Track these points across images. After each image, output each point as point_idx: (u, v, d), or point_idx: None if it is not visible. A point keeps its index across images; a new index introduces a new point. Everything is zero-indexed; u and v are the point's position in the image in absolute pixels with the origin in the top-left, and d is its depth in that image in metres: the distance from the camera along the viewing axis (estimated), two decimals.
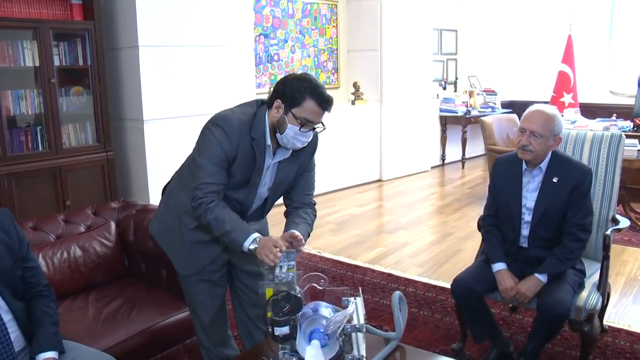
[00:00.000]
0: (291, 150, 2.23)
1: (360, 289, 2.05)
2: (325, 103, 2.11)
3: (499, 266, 2.66)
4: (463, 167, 8.10)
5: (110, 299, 2.79)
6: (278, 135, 2.14)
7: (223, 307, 2.44)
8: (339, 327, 1.82)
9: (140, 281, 3.00)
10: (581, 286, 2.64)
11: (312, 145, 2.32)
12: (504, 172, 2.75)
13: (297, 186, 2.36)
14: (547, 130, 2.57)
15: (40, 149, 4.46)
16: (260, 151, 2.15)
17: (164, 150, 4.86)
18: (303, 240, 2.13)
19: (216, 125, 2.10)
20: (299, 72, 2.15)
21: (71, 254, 2.87)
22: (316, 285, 2.02)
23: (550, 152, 2.64)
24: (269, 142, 2.17)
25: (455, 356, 2.97)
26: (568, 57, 7.35)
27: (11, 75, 4.36)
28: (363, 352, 1.86)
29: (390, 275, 4.19)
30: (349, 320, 1.88)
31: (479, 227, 2.87)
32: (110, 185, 4.80)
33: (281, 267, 1.92)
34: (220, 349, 2.47)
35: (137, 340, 2.54)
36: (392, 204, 6.33)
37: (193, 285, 2.34)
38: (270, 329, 1.88)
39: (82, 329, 2.52)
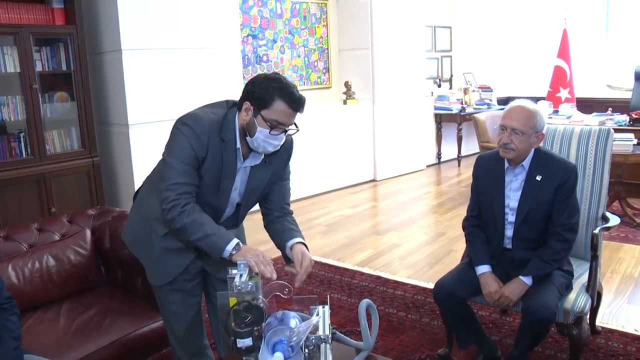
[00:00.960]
0: (263, 156, 2.12)
1: (328, 296, 1.95)
2: (296, 103, 2.00)
3: (482, 269, 2.55)
4: (459, 165, 7.99)
5: (83, 309, 2.69)
6: (248, 138, 2.04)
7: (198, 317, 2.33)
8: (303, 338, 1.71)
9: (117, 290, 2.90)
10: (569, 288, 2.52)
11: (287, 152, 2.22)
12: (486, 171, 2.64)
13: (273, 195, 2.26)
14: (528, 127, 2.46)
15: (24, 155, 4.38)
16: (230, 154, 2.05)
17: (150, 155, 4.75)
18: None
19: (184, 124, 2.00)
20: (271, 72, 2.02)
21: (43, 263, 2.77)
22: (280, 295, 1.91)
23: (533, 150, 2.53)
24: (238, 145, 2.07)
25: None
26: (563, 52, 7.23)
27: None
28: None
29: (379, 277, 4.08)
30: (315, 331, 1.77)
31: (463, 228, 2.76)
32: (97, 191, 4.71)
33: (241, 275, 1.81)
34: None
35: (108, 352, 2.43)
36: (385, 204, 6.22)
37: (165, 296, 2.24)
38: (233, 341, 1.77)
39: (51, 342, 2.42)
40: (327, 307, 1.88)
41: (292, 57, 6.71)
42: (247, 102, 2.00)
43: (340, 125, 6.82)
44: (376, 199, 6.53)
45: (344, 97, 7.04)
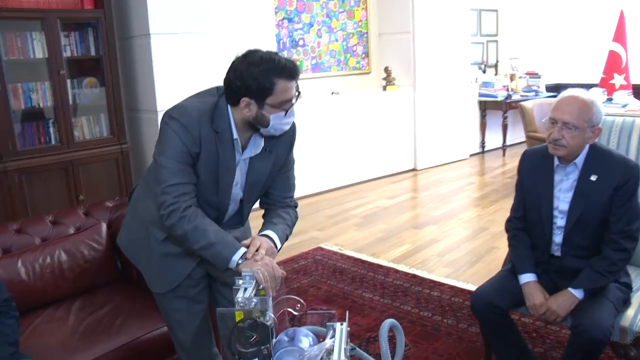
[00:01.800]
0: (262, 145, 1.90)
1: (347, 312, 1.70)
2: (294, 74, 1.78)
3: (527, 278, 2.26)
4: (504, 155, 7.58)
5: (94, 308, 2.53)
6: (263, 129, 1.82)
7: (205, 324, 2.13)
8: None
9: (132, 287, 2.73)
10: (626, 303, 2.20)
11: (289, 138, 2.00)
12: (533, 168, 2.33)
13: (274, 187, 2.03)
14: (583, 120, 2.14)
15: (52, 142, 4.26)
16: (226, 146, 1.82)
17: None
18: (285, 273, 1.79)
19: (172, 118, 1.78)
20: (242, 53, 1.75)
21: (55, 258, 2.62)
22: (292, 311, 1.68)
23: (587, 146, 2.21)
24: (235, 135, 1.84)
25: None
26: (620, 35, 6.71)
27: (21, 67, 4.18)
28: None
29: (414, 276, 3.81)
30: (330, 352, 1.53)
31: (506, 230, 2.46)
32: (125, 178, 4.58)
33: (246, 289, 1.58)
34: None
35: (115, 356, 2.27)
36: (425, 196, 5.92)
37: (168, 303, 2.04)
38: None
39: (57, 343, 2.27)
40: (344, 325, 1.63)
41: (329, 41, 6.42)
42: (246, 98, 1.76)
43: (380, 112, 6.53)
44: (416, 189, 6.24)
45: (384, 83, 6.73)
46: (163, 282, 1.99)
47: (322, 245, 4.48)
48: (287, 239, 1.97)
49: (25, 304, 2.48)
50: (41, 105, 4.21)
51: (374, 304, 3.42)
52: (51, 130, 4.27)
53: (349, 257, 4.21)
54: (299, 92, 1.84)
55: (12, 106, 4.02)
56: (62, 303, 2.57)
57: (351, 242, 4.54)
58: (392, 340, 1.68)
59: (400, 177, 6.67)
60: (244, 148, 1.88)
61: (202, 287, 2.05)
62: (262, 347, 1.55)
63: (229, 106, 1.83)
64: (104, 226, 2.82)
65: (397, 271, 3.90)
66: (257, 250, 1.77)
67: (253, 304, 1.53)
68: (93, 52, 4.38)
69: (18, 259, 2.55)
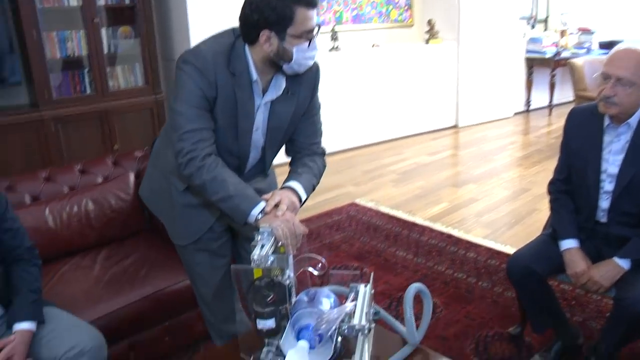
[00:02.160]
0: (284, 86, 1.77)
1: (372, 274, 1.58)
2: (312, 1, 1.64)
3: (568, 244, 2.10)
4: (550, 114, 7.23)
5: (120, 257, 2.51)
6: (286, 66, 1.69)
7: (227, 279, 2.04)
8: (333, 327, 1.38)
9: (158, 238, 2.67)
10: None
11: (312, 79, 1.85)
12: (580, 127, 2.14)
13: (299, 133, 1.90)
14: (639, 76, 1.93)
15: (87, 91, 4.22)
16: (244, 89, 1.70)
17: None
18: (307, 230, 1.68)
19: (186, 62, 1.67)
20: None
21: (82, 207, 2.60)
22: (312, 270, 1.58)
23: None
24: (255, 77, 1.71)
25: (511, 341, 2.47)
26: None
27: (56, 15, 4.11)
28: (366, 359, 1.42)
29: (450, 236, 3.67)
30: (351, 316, 1.43)
31: (549, 193, 2.29)
32: (159, 128, 4.51)
33: (263, 246, 1.48)
34: (227, 325, 2.09)
35: (138, 307, 2.25)
36: (466, 153, 5.71)
37: (190, 256, 1.97)
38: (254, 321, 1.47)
39: (81, 292, 2.26)
40: (368, 287, 1.53)
41: None
42: (266, 31, 1.63)
43: (421, 66, 6.27)
44: (457, 147, 6.03)
45: (427, 36, 6.44)
46: (184, 234, 1.92)
47: (357, 201, 4.38)
48: (313, 189, 1.86)
49: (52, 251, 2.49)
50: (76, 54, 4.15)
51: (407, 263, 3.32)
52: (86, 79, 4.22)
53: (383, 214, 4.10)
54: (319, 26, 1.69)
55: (47, 55, 3.97)
56: (89, 252, 2.56)
57: (387, 199, 4.42)
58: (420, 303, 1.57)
59: (440, 134, 6.45)
60: (264, 91, 1.75)
61: (225, 241, 1.97)
62: (280, 307, 1.46)
63: (246, 47, 1.70)
64: (131, 176, 2.77)
65: (432, 230, 3.78)
66: (277, 206, 1.66)
67: (269, 261, 1.43)
68: (128, 1, 4.28)
69: (46, 207, 2.53)
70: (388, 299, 2.91)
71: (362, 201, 4.37)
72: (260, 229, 1.53)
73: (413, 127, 6.36)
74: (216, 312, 2.07)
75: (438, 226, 3.84)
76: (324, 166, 1.93)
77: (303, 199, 1.78)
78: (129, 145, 4.20)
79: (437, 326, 2.65)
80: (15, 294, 1.86)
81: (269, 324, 1.46)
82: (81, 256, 2.53)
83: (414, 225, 3.88)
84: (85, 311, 2.11)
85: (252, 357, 1.47)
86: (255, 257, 1.42)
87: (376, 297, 2.93)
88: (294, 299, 1.55)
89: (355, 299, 1.50)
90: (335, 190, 4.63)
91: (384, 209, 4.19)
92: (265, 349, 1.47)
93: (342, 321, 1.41)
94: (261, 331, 1.46)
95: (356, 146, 5.89)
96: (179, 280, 2.34)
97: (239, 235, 2.00)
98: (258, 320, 1.46)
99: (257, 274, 1.48)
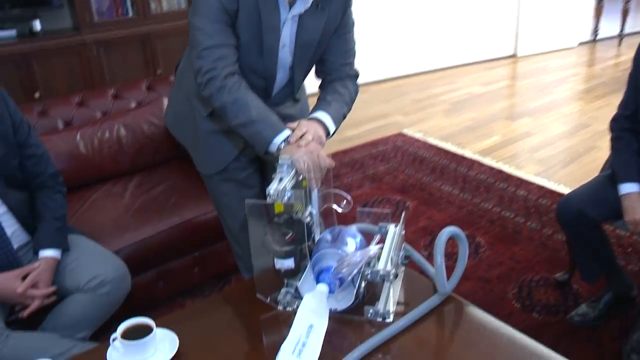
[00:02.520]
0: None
1: (403, 214, 1.43)
2: None
3: (629, 188, 1.86)
4: (619, 45, 6.66)
5: (151, 185, 2.45)
6: None
7: None
8: (355, 271, 1.25)
9: (190, 166, 2.56)
10: None
11: None
12: None
13: (330, 52, 1.70)
14: None
15: (129, 14, 4.09)
16: (268, 1, 1.52)
17: None
18: (333, 163, 1.51)
19: None
20: None
21: (114, 133, 2.53)
22: (336, 207, 1.44)
23: None
24: None
25: (557, 288, 2.31)
26: None
27: None
28: (390, 307, 1.29)
29: (500, 172, 3.45)
30: (377, 259, 1.29)
31: (611, 130, 2.04)
32: None
33: (281, 179, 1.34)
34: None
35: (166, 236, 2.20)
36: (523, 85, 5.35)
37: (216, 186, 1.85)
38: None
39: (109, 220, 2.21)
40: (399, 228, 1.39)
41: None
42: None
43: None
44: (514, 77, 5.66)
45: None
46: (209, 163, 1.80)
47: (405, 131, 4.21)
48: (344, 118, 1.69)
49: (84, 178, 2.46)
50: None
51: (453, 199, 3.16)
52: (128, 2, 4.07)
53: (431, 146, 3.92)
54: None
55: None
56: (121, 179, 2.52)
57: (436, 130, 4.22)
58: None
59: (497, 64, 6.05)
60: (291, 4, 1.57)
61: (252, 171, 1.84)
62: (300, 247, 1.34)
63: None
64: (165, 101, 2.66)
65: (482, 165, 3.57)
66: (302, 136, 1.51)
67: (287, 197, 1.30)
68: None
69: (77, 132, 2.47)
70: (429, 235, 2.78)
71: (410, 131, 4.19)
72: (280, 161, 1.38)
73: (468, 56, 5.99)
74: (243, 244, 1.97)
75: (488, 161, 3.63)
76: (356, 92, 1.74)
77: (331, 132, 1.61)
78: (172, 70, 4.09)
79: (479, 267, 2.50)
80: (40, 221, 1.82)
81: (287, 263, 1.34)
82: (113, 183, 2.48)
83: (462, 158, 3.68)
84: (112, 239, 2.08)
85: (268, 298, 1.36)
86: (272, 191, 1.28)
87: (416, 233, 2.81)
88: (317, 238, 1.43)
89: (382, 240, 1.36)
90: (382, 120, 4.46)
91: (432, 141, 4.00)
92: (283, 290, 1.36)
93: (367, 265, 1.28)
94: (279, 271, 1.35)
95: (407, 74, 5.61)
96: (208, 211, 2.26)
97: (267, 165, 1.86)
98: (276, 260, 1.35)
99: (278, 209, 1.35)
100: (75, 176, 2.39)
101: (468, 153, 3.77)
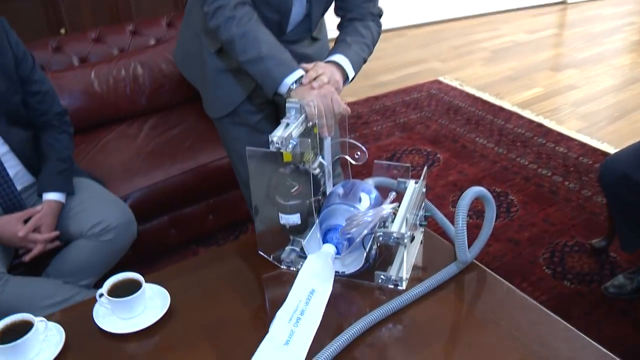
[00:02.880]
0: None
1: (425, 168, 1.28)
2: None
3: None
4: None
5: (166, 127, 2.35)
6: None
7: None
8: (365, 231, 1.12)
9: None
10: None
11: None
12: None
13: None
14: None
15: None
16: None
17: None
18: (349, 110, 1.36)
19: None
20: None
21: (130, 72, 2.42)
22: (349, 159, 1.29)
23: None
24: None
25: (593, 255, 2.14)
26: None
27: None
28: (404, 273, 1.16)
29: (540, 126, 3.24)
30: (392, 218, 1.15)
31: None
32: None
33: (287, 124, 1.19)
34: None
35: (179, 181, 2.11)
36: (571, 34, 5.01)
37: (226, 131, 1.72)
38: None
39: (119, 164, 2.13)
40: (420, 185, 1.24)
41: None
42: None
43: None
44: (562, 25, 5.31)
45: None
46: (218, 105, 1.67)
47: (441, 79, 4.00)
48: (364, 63, 1.52)
49: (98, 118, 2.38)
50: None
51: (487, 152, 2.98)
52: None
53: (468, 95, 3.71)
54: None
55: None
56: (137, 120, 2.42)
57: (474, 78, 3.99)
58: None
59: (544, 10, 5.67)
60: None
61: (265, 116, 1.69)
62: (307, 200, 1.21)
63: None
64: None
65: (520, 117, 3.36)
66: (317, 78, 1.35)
67: (291, 145, 1.15)
68: None
69: (92, 69, 2.37)
70: (459, 191, 2.63)
71: (447, 79, 3.99)
72: (288, 104, 1.24)
73: (513, 1, 5.63)
74: None
75: (527, 113, 3.42)
76: (379, 33, 1.56)
77: (350, 78, 1.45)
78: None
79: (510, 227, 2.35)
80: (44, 162, 1.73)
81: (292, 219, 1.22)
82: (128, 124, 2.39)
83: (500, 110, 3.47)
84: (122, 183, 2.01)
85: (271, 256, 1.24)
86: (275, 138, 1.14)
87: (445, 188, 2.67)
88: (327, 191, 1.30)
89: (398, 199, 1.21)
90: (418, 65, 4.26)
91: (469, 90, 3.79)
92: (288, 248, 1.24)
93: (382, 225, 1.14)
94: (284, 227, 1.23)
95: (446, 19, 5.29)
96: (224, 156, 2.13)
97: (281, 110, 1.71)
98: (281, 215, 1.23)
99: (286, 158, 1.21)
100: (89, 116, 2.31)
101: (506, 104, 3.55)
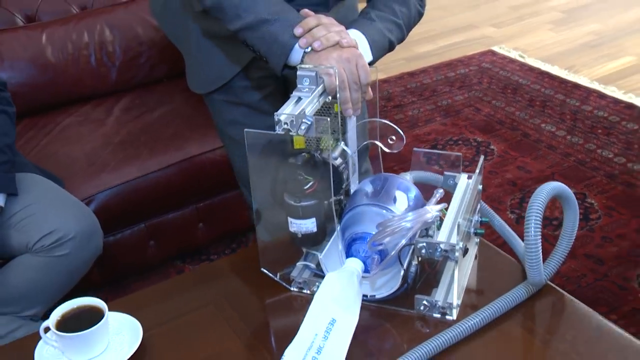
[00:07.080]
0: None
1: (481, 158, 1.24)
2: None
3: None
4: None
5: (144, 109, 2.41)
6: None
7: None
8: (403, 242, 1.08)
9: None
10: None
11: None
12: None
13: None
14: None
15: None
16: None
17: None
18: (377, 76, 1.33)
19: None
20: None
21: (95, 36, 2.47)
22: (381, 145, 1.26)
23: None
24: None
25: None
26: None
27: None
28: (454, 297, 1.12)
29: (630, 107, 3.25)
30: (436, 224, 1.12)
31: None
32: None
33: (300, 99, 1.15)
34: None
35: (159, 179, 2.14)
36: None
37: (219, 111, 1.72)
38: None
39: (82, 155, 2.17)
40: (474, 180, 1.21)
41: None
42: None
43: None
44: None
45: None
46: (204, 76, 1.67)
47: (495, 49, 4.08)
48: (391, 49, 1.49)
49: (53, 96, 2.43)
50: None
51: (556, 142, 3.01)
52: None
53: (531, 69, 3.77)
54: None
55: None
56: (105, 100, 2.48)
57: (539, 48, 4.07)
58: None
59: None
60: None
61: (269, 93, 1.68)
62: (324, 202, 1.20)
63: None
64: None
65: (603, 96, 3.39)
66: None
67: (304, 126, 1.11)
68: None
69: (42, 32, 2.40)
70: (519, 192, 2.65)
71: (503, 49, 4.06)
72: (299, 71, 1.20)
73: None
74: None
75: (612, 91, 3.45)
76: (421, 14, 1.54)
77: (368, 60, 1.40)
78: None
79: (589, 240, 2.36)
80: None
81: (306, 225, 1.20)
82: (93, 105, 2.44)
83: (574, 87, 3.52)
84: (84, 182, 2.03)
85: (278, 275, 1.21)
86: (283, 117, 1.10)
87: (502, 188, 2.70)
88: (351, 188, 1.29)
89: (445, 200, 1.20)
90: (466, 32, 4.36)
91: (533, 62, 3.86)
92: (299, 264, 1.23)
93: (424, 234, 1.13)
94: (295, 236, 1.22)
95: None
96: (218, 146, 2.16)
97: (290, 84, 1.68)
98: (290, 220, 1.21)
99: (297, 144, 1.18)
100: (39, 93, 2.35)
101: (584, 80, 3.60)
